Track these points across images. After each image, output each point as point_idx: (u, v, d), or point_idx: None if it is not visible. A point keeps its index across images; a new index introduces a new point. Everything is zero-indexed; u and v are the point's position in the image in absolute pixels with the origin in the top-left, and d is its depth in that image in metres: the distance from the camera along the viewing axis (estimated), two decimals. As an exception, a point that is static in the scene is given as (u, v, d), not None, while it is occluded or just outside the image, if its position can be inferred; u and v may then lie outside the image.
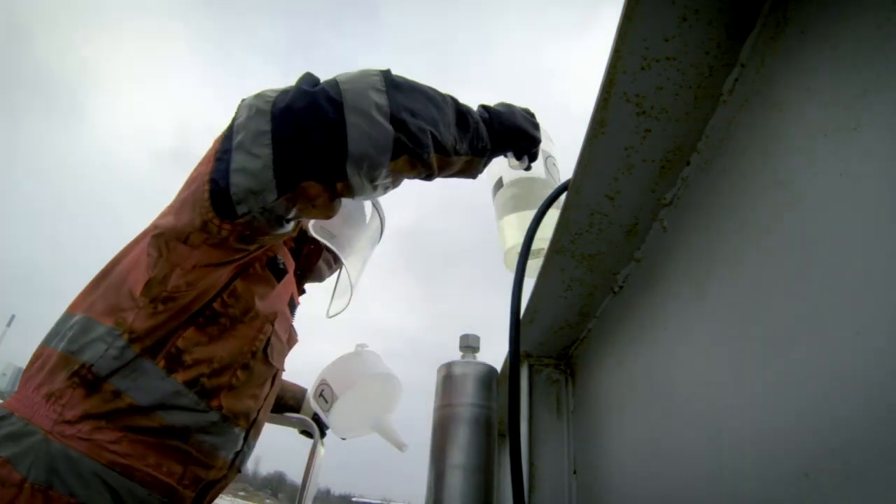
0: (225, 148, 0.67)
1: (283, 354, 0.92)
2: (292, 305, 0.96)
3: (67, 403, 0.65)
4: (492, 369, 0.78)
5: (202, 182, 0.67)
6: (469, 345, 0.85)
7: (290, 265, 0.91)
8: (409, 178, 0.74)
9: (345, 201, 0.79)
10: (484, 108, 0.84)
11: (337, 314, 1.14)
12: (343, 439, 1.27)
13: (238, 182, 0.64)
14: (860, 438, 0.30)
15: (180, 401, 0.70)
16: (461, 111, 0.77)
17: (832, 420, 0.32)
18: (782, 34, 0.42)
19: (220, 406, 0.75)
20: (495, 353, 0.87)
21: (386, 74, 0.70)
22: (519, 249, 0.71)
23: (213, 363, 0.74)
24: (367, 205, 1.14)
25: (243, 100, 0.70)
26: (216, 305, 0.74)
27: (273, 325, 0.83)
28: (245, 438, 0.82)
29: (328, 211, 0.71)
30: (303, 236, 1.02)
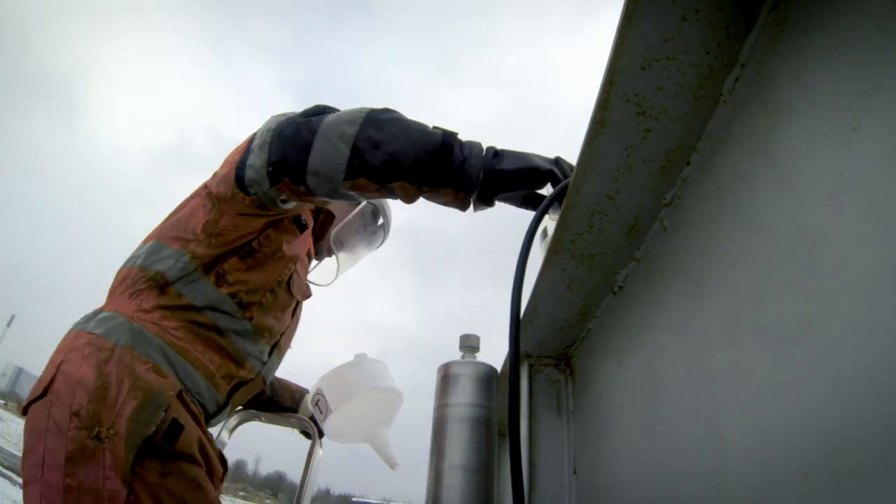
0: (248, 147, 0.92)
1: (302, 290, 1.17)
2: (308, 257, 1.21)
3: (144, 299, 0.92)
4: (492, 369, 0.78)
5: (233, 167, 0.93)
6: (469, 345, 0.84)
7: (310, 223, 1.17)
8: (385, 197, 0.89)
9: (364, 209, 1.26)
10: (494, 149, 0.85)
11: (316, 283, 1.33)
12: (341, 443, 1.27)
13: (248, 174, 0.90)
14: (860, 438, 0.30)
15: (224, 306, 0.97)
16: (445, 147, 0.81)
17: (832, 420, 0.32)
18: (782, 34, 0.42)
19: (252, 317, 1.01)
20: (495, 353, 0.87)
21: (371, 113, 0.85)
22: None
23: (249, 284, 1.00)
24: (382, 209, 1.34)
25: (271, 116, 0.95)
26: (254, 244, 1.01)
27: (295, 265, 1.09)
28: (269, 354, 1.07)
29: (307, 201, 0.96)
30: (318, 210, 1.26)
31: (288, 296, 1.09)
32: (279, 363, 1.15)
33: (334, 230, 1.25)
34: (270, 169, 0.88)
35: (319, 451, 1.42)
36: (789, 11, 0.42)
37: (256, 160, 0.88)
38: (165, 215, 1.05)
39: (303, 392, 1.44)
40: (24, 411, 0.84)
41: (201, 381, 0.93)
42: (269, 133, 0.89)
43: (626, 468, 0.64)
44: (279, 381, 1.41)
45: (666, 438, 0.55)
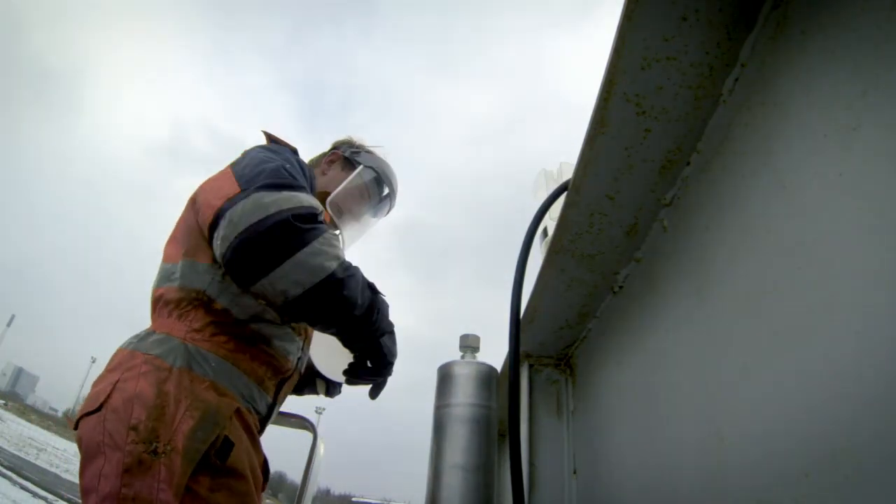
0: (218, 220, 0.91)
1: None
2: None
3: (194, 318, 0.93)
4: (492, 369, 0.78)
5: (209, 218, 0.91)
6: (469, 345, 0.84)
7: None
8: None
9: (363, 174, 1.26)
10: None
11: None
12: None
13: (213, 244, 0.93)
14: (860, 438, 0.30)
15: (266, 315, 0.98)
16: (361, 320, 0.95)
17: (832, 420, 0.32)
18: (782, 34, 0.42)
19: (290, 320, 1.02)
20: (495, 353, 0.87)
21: (319, 288, 0.88)
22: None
23: None
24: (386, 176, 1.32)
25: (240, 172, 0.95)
26: None
27: None
28: (302, 348, 1.12)
29: None
30: (322, 200, 1.25)
31: None
32: (308, 353, 1.20)
33: (330, 197, 1.23)
34: (217, 260, 0.90)
35: (321, 451, 1.42)
36: (789, 11, 0.41)
37: (218, 239, 0.88)
38: (172, 217, 1.06)
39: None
40: (76, 425, 0.87)
41: (254, 388, 0.96)
42: (245, 225, 0.85)
43: (626, 468, 0.64)
44: None
45: (666, 438, 0.55)
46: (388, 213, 1.39)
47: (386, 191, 1.33)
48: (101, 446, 0.80)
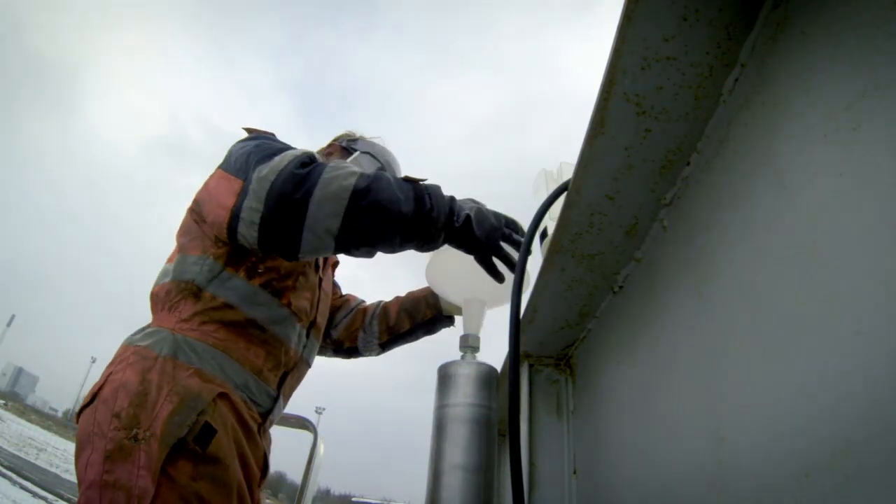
0: (238, 211, 0.92)
1: (326, 268, 1.23)
2: None
3: (182, 309, 0.94)
4: (492, 369, 0.78)
5: (225, 218, 0.92)
6: (469, 345, 0.85)
7: None
8: None
9: (359, 159, 1.24)
10: (458, 208, 0.94)
11: None
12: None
13: (241, 240, 0.93)
14: (860, 439, 0.30)
15: (259, 298, 0.99)
16: (421, 218, 0.90)
17: (833, 420, 0.32)
18: (782, 34, 0.42)
19: (289, 303, 1.03)
20: (495, 353, 0.88)
21: (354, 197, 0.86)
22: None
23: (280, 270, 1.02)
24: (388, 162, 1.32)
25: (255, 147, 0.95)
26: None
27: None
28: (308, 335, 1.10)
29: None
30: None
31: (314, 275, 1.13)
32: (318, 342, 1.18)
33: None
34: (261, 249, 0.90)
35: (321, 450, 1.42)
36: (789, 11, 0.41)
37: (247, 233, 0.88)
38: (172, 215, 1.08)
39: (429, 290, 1.34)
40: (77, 419, 0.88)
41: (249, 377, 0.96)
42: (260, 203, 0.86)
43: (627, 468, 0.64)
44: (403, 300, 1.38)
45: (666, 438, 0.55)
46: None
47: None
48: (91, 436, 0.82)
